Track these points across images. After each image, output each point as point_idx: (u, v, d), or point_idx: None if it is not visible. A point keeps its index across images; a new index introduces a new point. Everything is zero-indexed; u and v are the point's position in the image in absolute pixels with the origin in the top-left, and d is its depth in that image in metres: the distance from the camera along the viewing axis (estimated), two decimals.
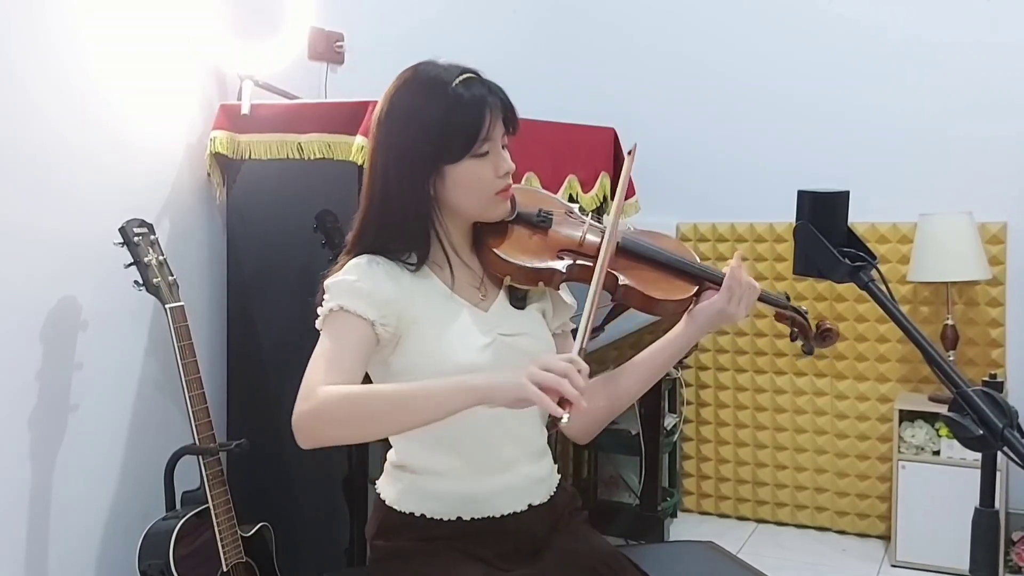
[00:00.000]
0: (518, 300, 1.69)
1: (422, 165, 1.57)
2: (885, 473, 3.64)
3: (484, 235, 1.67)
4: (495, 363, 1.58)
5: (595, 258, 1.66)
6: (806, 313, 1.83)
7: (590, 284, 1.65)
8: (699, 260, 1.78)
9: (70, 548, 2.26)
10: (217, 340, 2.63)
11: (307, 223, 2.35)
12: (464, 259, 1.66)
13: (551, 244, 1.69)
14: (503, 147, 1.62)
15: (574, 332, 1.78)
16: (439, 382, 1.44)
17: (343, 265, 1.60)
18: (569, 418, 1.36)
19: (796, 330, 1.81)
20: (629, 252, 1.73)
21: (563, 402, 1.36)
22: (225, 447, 2.28)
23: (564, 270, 1.66)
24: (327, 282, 1.57)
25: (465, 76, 1.58)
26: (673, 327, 1.76)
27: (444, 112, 1.55)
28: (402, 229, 1.59)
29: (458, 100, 1.56)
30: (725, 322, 1.72)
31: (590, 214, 1.81)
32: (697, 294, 1.73)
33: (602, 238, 1.69)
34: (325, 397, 1.41)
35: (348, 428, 1.45)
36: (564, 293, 1.77)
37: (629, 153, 1.77)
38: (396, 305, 1.55)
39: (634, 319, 2.86)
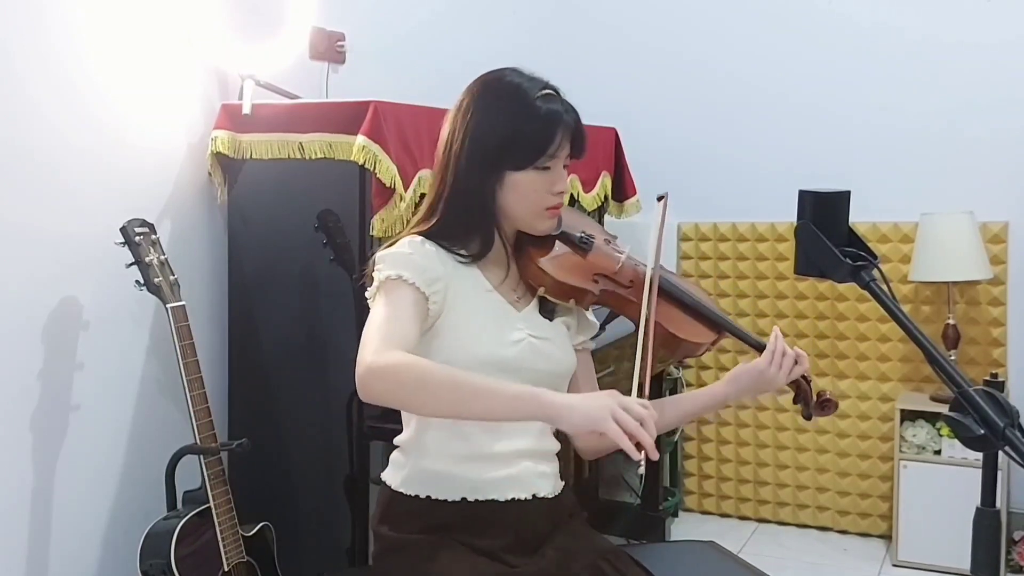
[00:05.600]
0: (547, 312, 1.75)
1: (489, 164, 1.64)
2: (886, 472, 3.64)
3: (528, 244, 1.73)
4: (521, 360, 1.65)
5: (628, 288, 1.76)
6: (811, 381, 1.88)
7: (619, 310, 1.77)
8: (721, 311, 1.87)
9: (71, 548, 2.26)
10: (218, 340, 2.64)
11: (308, 223, 2.35)
12: (503, 261, 1.73)
13: (589, 266, 1.76)
14: (564, 166, 1.69)
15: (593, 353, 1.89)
16: (512, 385, 1.47)
17: (396, 240, 1.65)
18: (644, 467, 1.40)
19: (800, 394, 1.86)
20: (660, 290, 1.77)
21: (637, 446, 1.39)
22: (226, 447, 2.27)
23: (597, 293, 1.74)
24: (381, 253, 1.63)
25: (546, 91, 1.66)
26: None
27: (520, 120, 1.63)
28: (468, 218, 1.66)
29: (535, 112, 1.64)
30: (764, 386, 1.78)
31: (629, 247, 1.87)
32: (715, 342, 1.81)
33: (639, 270, 1.78)
34: (402, 358, 1.45)
35: (414, 395, 1.46)
36: (590, 313, 1.84)
37: (660, 199, 1.82)
38: (443, 283, 1.61)
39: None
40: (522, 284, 1.74)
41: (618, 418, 1.38)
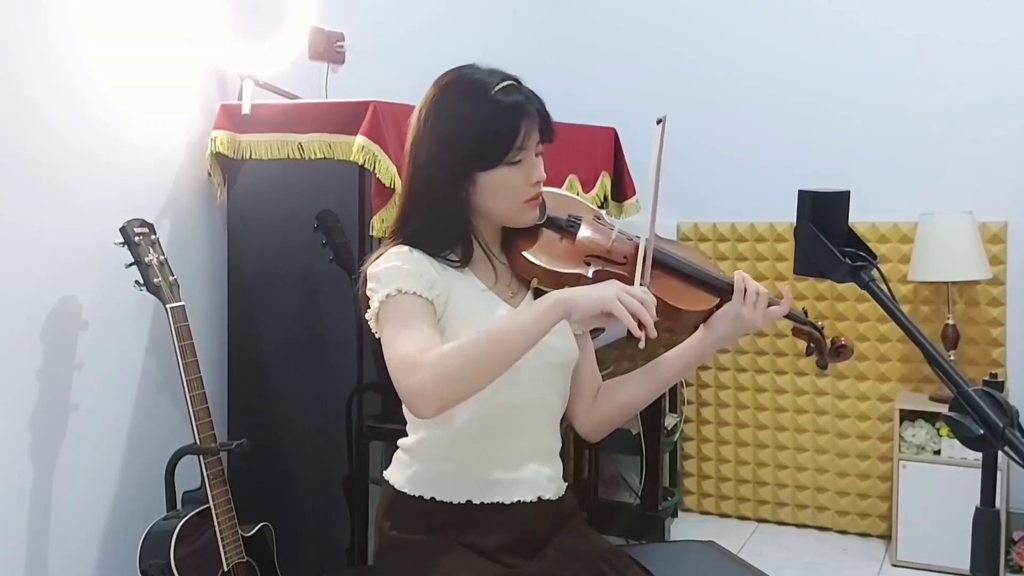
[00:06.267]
0: None
1: (458, 168, 1.60)
2: (886, 472, 3.64)
3: (514, 238, 1.70)
4: (523, 358, 1.60)
5: (623, 264, 1.72)
6: (823, 329, 1.85)
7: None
8: (720, 272, 1.81)
9: (71, 548, 2.26)
10: (218, 340, 2.63)
11: (308, 223, 2.35)
12: (493, 259, 1.70)
13: (579, 249, 1.73)
14: (537, 155, 1.65)
15: (593, 332, 1.88)
16: (524, 311, 1.53)
17: (382, 254, 1.62)
18: (644, 343, 1.50)
19: (812, 345, 1.83)
20: (655, 261, 1.74)
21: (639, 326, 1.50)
22: (226, 447, 2.27)
23: (591, 276, 1.69)
24: (373, 271, 1.60)
25: (505, 83, 1.62)
26: (675, 332, 1.78)
27: (482, 120, 1.59)
28: (444, 226, 1.63)
29: (496, 108, 1.59)
30: (742, 328, 1.75)
31: (618, 222, 1.83)
32: (719, 305, 1.77)
33: (632, 244, 1.74)
34: (432, 360, 1.46)
35: (467, 381, 1.48)
36: None
37: (659, 122, 1.77)
38: (441, 286, 1.59)
39: None
40: (515, 279, 1.72)
41: (622, 299, 1.49)
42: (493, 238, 1.71)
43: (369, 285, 1.60)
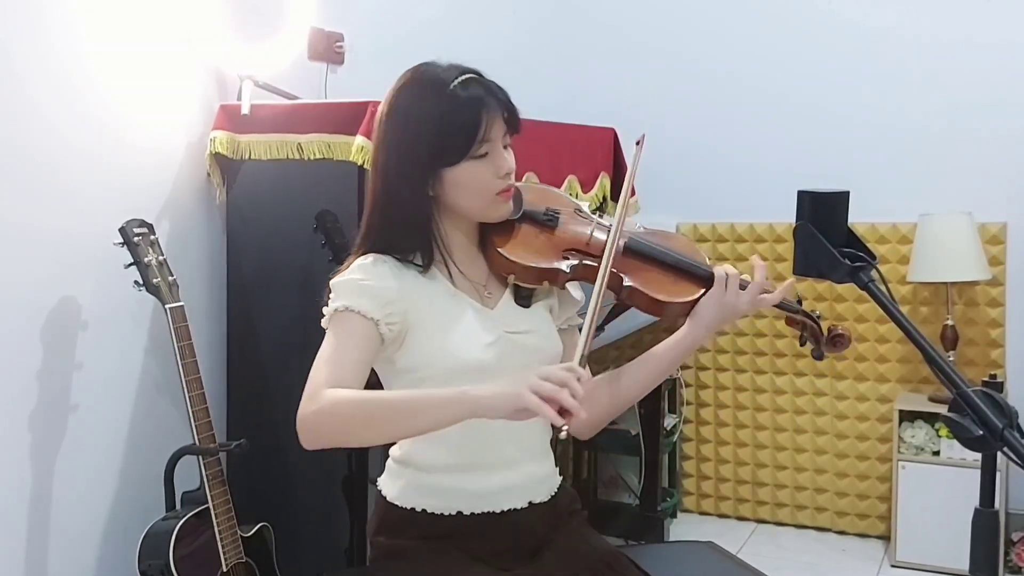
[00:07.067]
0: (523, 298, 1.69)
1: (421, 168, 1.57)
2: (885, 473, 3.64)
3: (489, 234, 1.66)
4: (500, 361, 1.58)
5: (600, 258, 1.64)
6: (819, 318, 1.80)
7: (595, 284, 1.63)
8: (708, 260, 1.76)
9: (70, 548, 2.26)
10: (217, 340, 2.64)
11: (307, 223, 2.35)
12: (468, 258, 1.66)
13: (557, 243, 1.68)
14: (505, 147, 1.61)
15: (579, 328, 1.77)
16: (441, 392, 1.44)
17: (349, 265, 1.60)
18: (568, 429, 1.37)
19: (805, 335, 1.79)
20: (635, 253, 1.71)
21: (563, 411, 1.34)
22: (225, 447, 2.28)
23: (568, 270, 1.65)
24: (334, 281, 1.58)
25: (464, 77, 1.57)
26: (675, 328, 1.75)
27: (441, 115, 1.55)
28: (406, 230, 1.60)
29: (455, 102, 1.55)
30: (728, 314, 1.70)
31: (598, 213, 1.79)
32: (704, 295, 1.71)
33: (608, 237, 1.67)
34: (330, 400, 1.42)
35: (350, 432, 1.46)
36: (571, 288, 1.75)
37: (637, 143, 1.74)
38: (401, 303, 1.55)
39: (634, 319, 2.86)
40: (492, 278, 1.68)
41: (535, 388, 1.34)
42: (467, 237, 1.67)
43: (331, 295, 1.57)
